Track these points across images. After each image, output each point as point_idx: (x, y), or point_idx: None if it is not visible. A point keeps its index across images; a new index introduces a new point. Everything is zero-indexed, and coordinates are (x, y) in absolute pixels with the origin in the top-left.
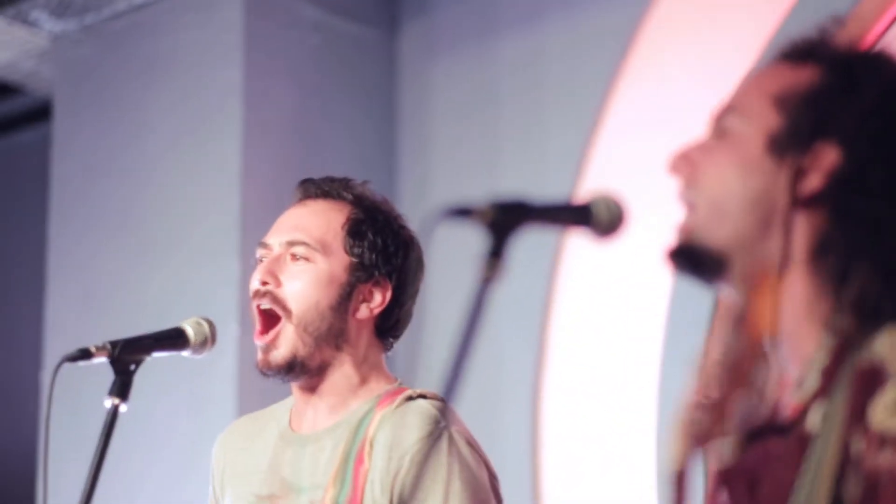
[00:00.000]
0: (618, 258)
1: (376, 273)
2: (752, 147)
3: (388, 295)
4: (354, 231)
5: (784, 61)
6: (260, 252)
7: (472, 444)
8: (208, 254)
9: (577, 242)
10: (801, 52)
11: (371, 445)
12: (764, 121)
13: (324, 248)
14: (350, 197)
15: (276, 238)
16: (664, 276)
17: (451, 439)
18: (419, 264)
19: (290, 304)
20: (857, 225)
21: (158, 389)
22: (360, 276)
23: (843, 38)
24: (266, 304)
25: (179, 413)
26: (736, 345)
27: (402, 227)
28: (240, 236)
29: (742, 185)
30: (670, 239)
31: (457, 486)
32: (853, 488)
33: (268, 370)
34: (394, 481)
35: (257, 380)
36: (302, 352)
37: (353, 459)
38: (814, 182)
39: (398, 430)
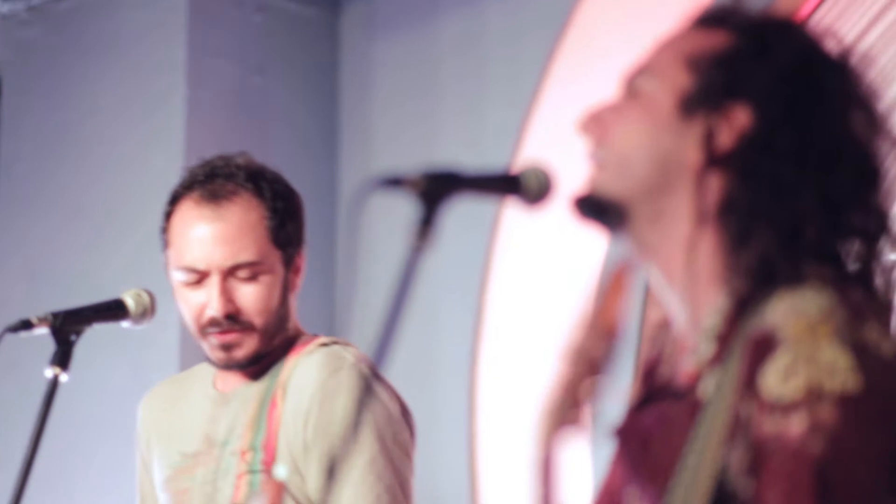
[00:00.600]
0: (553, 228)
1: (299, 245)
2: (662, 106)
3: (303, 260)
4: (275, 227)
5: (696, 26)
6: (189, 277)
7: (383, 379)
8: (153, 230)
9: (515, 213)
10: (714, 18)
11: (284, 389)
12: (675, 81)
13: (264, 260)
14: (251, 186)
15: (213, 264)
16: (598, 247)
17: (361, 374)
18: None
19: (254, 321)
20: (762, 186)
21: (102, 361)
22: (289, 257)
23: (758, 7)
24: (228, 328)
25: (122, 384)
26: (592, 333)
27: (290, 189)
28: None
29: (649, 142)
30: (577, 189)
31: (369, 417)
32: (741, 455)
33: (229, 366)
34: (306, 419)
35: (199, 351)
36: (263, 350)
37: (268, 404)
38: (724, 142)
39: (309, 370)
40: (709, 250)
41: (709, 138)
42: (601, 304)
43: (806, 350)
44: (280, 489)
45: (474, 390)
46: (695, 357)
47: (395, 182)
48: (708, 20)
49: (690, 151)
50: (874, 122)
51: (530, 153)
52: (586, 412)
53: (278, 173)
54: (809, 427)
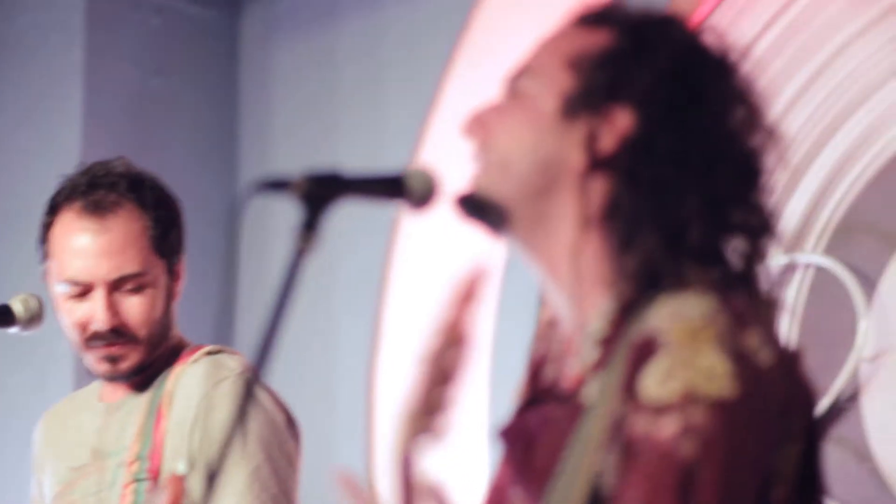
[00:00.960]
0: (451, 236)
1: (180, 252)
2: (545, 107)
3: (184, 267)
4: (158, 237)
5: (579, 25)
6: (73, 289)
7: (268, 389)
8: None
9: (414, 220)
10: (595, 16)
11: (170, 398)
12: (557, 82)
13: (148, 271)
14: (134, 196)
15: (98, 277)
16: (497, 254)
17: (245, 384)
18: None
19: (139, 334)
20: (645, 190)
21: None
22: (172, 266)
23: (645, 6)
24: (113, 340)
25: (18, 394)
26: (446, 341)
27: (171, 197)
28: None
29: (531, 144)
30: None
31: (254, 427)
32: (614, 456)
33: (114, 377)
34: (191, 429)
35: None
36: (146, 360)
37: (154, 415)
38: (607, 144)
39: (193, 379)
40: (593, 254)
41: (591, 141)
42: (452, 311)
43: (685, 355)
44: (180, 483)
45: (372, 399)
46: (579, 360)
47: (276, 185)
48: (590, 19)
49: (573, 154)
50: (754, 119)
51: (429, 155)
52: (442, 420)
53: (158, 180)
54: (681, 429)
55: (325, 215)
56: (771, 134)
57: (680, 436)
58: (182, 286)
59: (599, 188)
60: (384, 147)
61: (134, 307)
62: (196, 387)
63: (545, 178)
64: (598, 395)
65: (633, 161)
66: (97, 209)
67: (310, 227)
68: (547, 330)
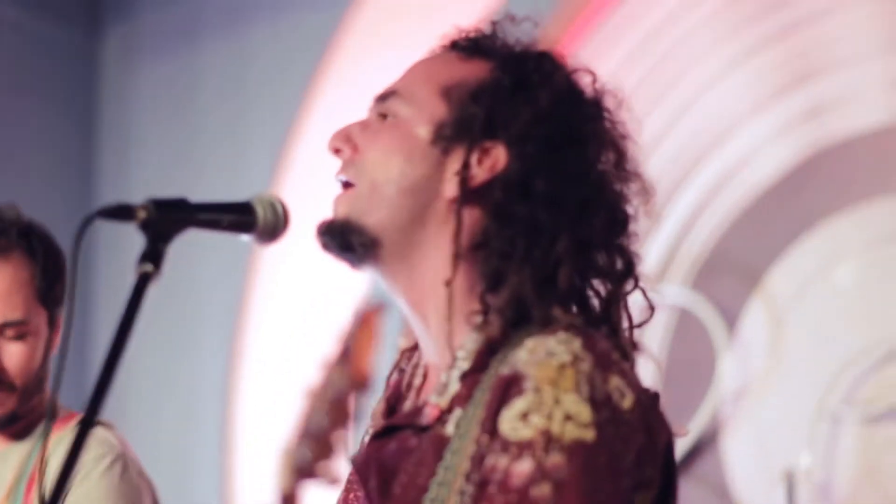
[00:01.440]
0: (312, 263)
1: (61, 302)
2: (417, 134)
3: (63, 319)
4: (44, 287)
5: (453, 52)
6: None
7: (142, 471)
8: None
9: (273, 248)
10: (471, 45)
11: (45, 465)
12: (430, 109)
13: (31, 319)
14: (23, 244)
15: None
16: (360, 282)
17: (123, 465)
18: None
19: (15, 382)
20: (518, 228)
21: None
22: (53, 316)
23: (522, 36)
24: None
25: None
26: (340, 378)
27: (58, 248)
28: None
29: (403, 170)
30: (324, 215)
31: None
32: (472, 488)
33: None
34: (64, 499)
35: None
36: (19, 409)
37: (27, 478)
38: (480, 178)
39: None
40: (460, 288)
41: (464, 173)
42: (351, 348)
43: (546, 398)
44: None
45: (229, 428)
46: (442, 395)
47: (119, 211)
48: (465, 47)
49: (445, 184)
50: (624, 164)
51: (290, 180)
52: (332, 465)
53: (46, 231)
54: (536, 470)
55: (168, 243)
56: (638, 178)
57: (534, 476)
58: (59, 338)
59: (470, 221)
60: (246, 166)
61: (13, 355)
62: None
63: (415, 206)
64: (460, 428)
65: (507, 198)
66: None
67: (151, 256)
68: (403, 357)
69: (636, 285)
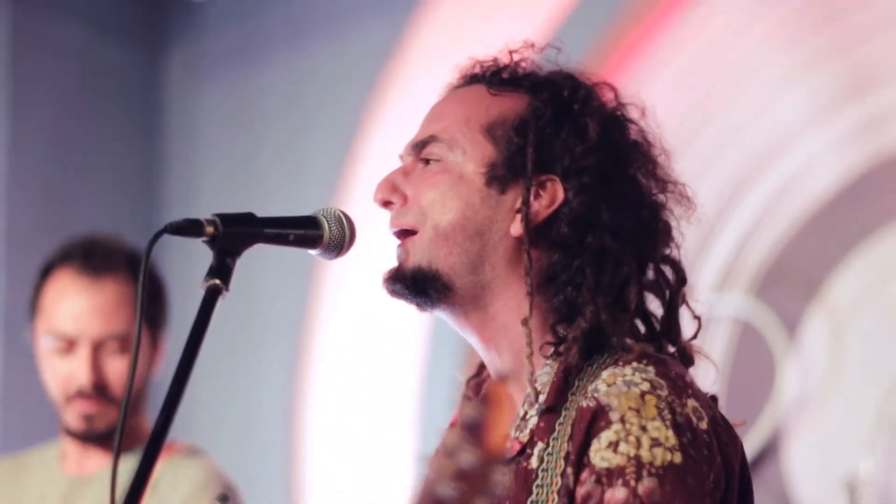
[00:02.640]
0: (376, 276)
1: (164, 324)
2: (470, 177)
3: (165, 344)
4: (148, 311)
5: (478, 85)
6: (58, 344)
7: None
8: None
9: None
10: (496, 76)
11: (154, 489)
12: (477, 150)
13: (134, 335)
14: (127, 264)
15: (84, 333)
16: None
17: (225, 489)
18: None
19: (118, 396)
20: (585, 259)
21: None
22: (156, 339)
23: (545, 64)
24: (94, 398)
25: None
26: (470, 452)
27: (158, 274)
28: (5, 260)
29: (465, 214)
30: (390, 263)
31: None
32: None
33: (89, 436)
34: None
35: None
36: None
37: None
38: (541, 214)
39: (182, 481)
40: (535, 323)
41: (525, 210)
42: (485, 424)
43: (633, 427)
44: None
45: (295, 442)
46: (523, 428)
47: (187, 227)
48: (492, 80)
49: (508, 223)
50: (659, 173)
51: (351, 194)
52: None
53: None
54: (629, 494)
55: (235, 258)
56: (676, 187)
57: (629, 501)
58: (161, 362)
59: (536, 257)
60: (305, 189)
61: (117, 368)
62: (184, 491)
63: (483, 248)
64: (545, 462)
65: (574, 231)
66: (94, 271)
67: (219, 271)
68: (472, 389)
69: (687, 294)
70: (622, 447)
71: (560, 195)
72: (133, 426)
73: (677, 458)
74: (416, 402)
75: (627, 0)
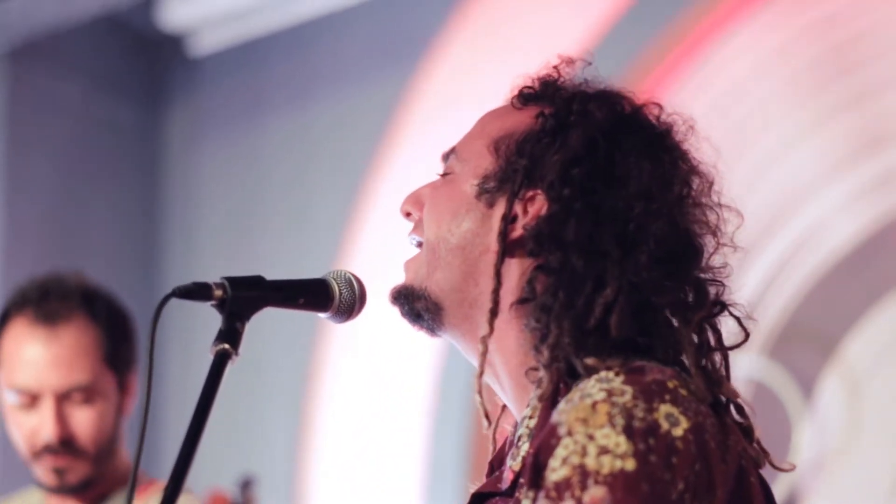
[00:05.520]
0: (382, 332)
1: (132, 366)
2: (465, 190)
3: (136, 382)
4: (109, 350)
5: (515, 101)
6: (22, 399)
7: None
8: None
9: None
10: (531, 93)
11: None
12: (479, 163)
13: (97, 383)
14: (85, 308)
15: (46, 386)
16: (429, 351)
17: None
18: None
19: (87, 448)
20: (557, 278)
21: None
22: (123, 381)
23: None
24: (62, 452)
25: None
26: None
27: (124, 311)
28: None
29: (451, 228)
30: (395, 289)
31: None
32: None
33: (62, 490)
34: None
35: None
36: (94, 474)
37: None
38: (519, 230)
39: None
40: (515, 345)
41: (503, 224)
42: None
43: (579, 437)
44: None
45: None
46: (516, 455)
47: (195, 291)
48: (526, 96)
49: (490, 237)
50: (691, 194)
51: (356, 252)
52: None
53: (111, 294)
54: None
55: (244, 322)
56: (712, 208)
57: None
58: (133, 403)
59: (518, 274)
60: (310, 247)
61: (83, 420)
62: None
63: (465, 263)
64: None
65: (543, 248)
66: (48, 319)
67: (228, 335)
68: (507, 413)
69: (718, 312)
70: (570, 459)
71: (541, 211)
72: (111, 469)
73: (629, 464)
74: (424, 445)
75: (645, 45)
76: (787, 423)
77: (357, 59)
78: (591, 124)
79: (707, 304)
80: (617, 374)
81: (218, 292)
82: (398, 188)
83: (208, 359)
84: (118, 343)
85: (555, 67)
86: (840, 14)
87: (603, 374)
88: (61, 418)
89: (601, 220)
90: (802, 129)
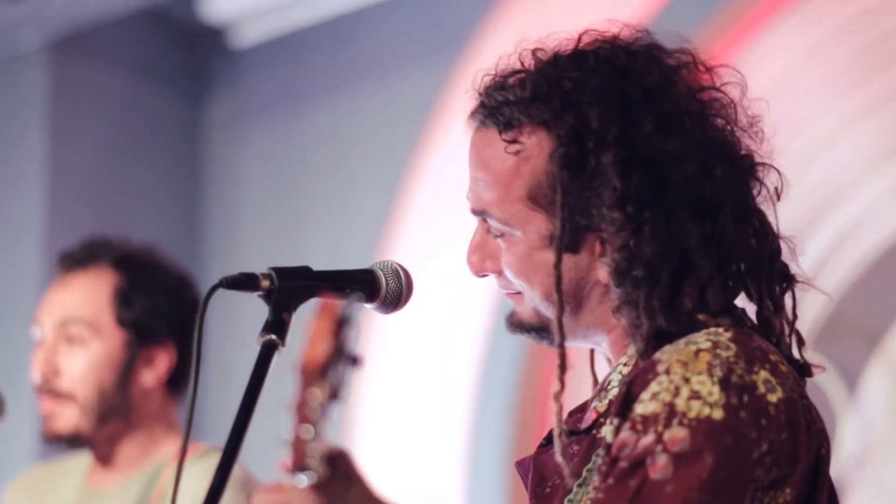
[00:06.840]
0: (421, 324)
1: (155, 337)
2: (544, 258)
3: (174, 354)
4: (122, 303)
5: (494, 131)
6: (36, 336)
7: None
8: (16, 321)
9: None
10: (493, 114)
11: (161, 496)
12: (535, 228)
13: (98, 328)
14: (111, 259)
15: (46, 319)
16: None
17: (245, 491)
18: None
19: (74, 391)
20: (644, 289)
21: None
22: (137, 345)
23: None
24: (46, 393)
25: None
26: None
27: (173, 276)
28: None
29: (546, 284)
30: (510, 316)
31: None
32: (598, 460)
33: (51, 440)
34: None
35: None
36: (87, 429)
37: None
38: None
39: (192, 482)
40: (616, 298)
41: (557, 243)
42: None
43: (676, 377)
44: None
45: None
46: (602, 399)
47: (243, 281)
48: (506, 121)
49: (593, 273)
50: (744, 163)
51: (397, 244)
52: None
53: (170, 267)
54: (655, 441)
55: (291, 312)
56: (761, 169)
57: (654, 448)
58: (156, 377)
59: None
60: (353, 231)
61: (72, 359)
62: (194, 492)
63: (576, 302)
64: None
65: (632, 268)
66: (69, 265)
67: (275, 326)
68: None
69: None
70: (661, 395)
71: (617, 229)
72: (115, 436)
73: (717, 413)
74: (466, 432)
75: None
76: (832, 415)
77: (398, 48)
78: (609, 139)
79: (789, 275)
80: (726, 331)
81: (265, 283)
82: (440, 178)
83: (246, 349)
84: (134, 305)
85: (512, 62)
86: (879, 9)
87: (713, 329)
88: (49, 353)
89: (671, 219)
90: (846, 121)
